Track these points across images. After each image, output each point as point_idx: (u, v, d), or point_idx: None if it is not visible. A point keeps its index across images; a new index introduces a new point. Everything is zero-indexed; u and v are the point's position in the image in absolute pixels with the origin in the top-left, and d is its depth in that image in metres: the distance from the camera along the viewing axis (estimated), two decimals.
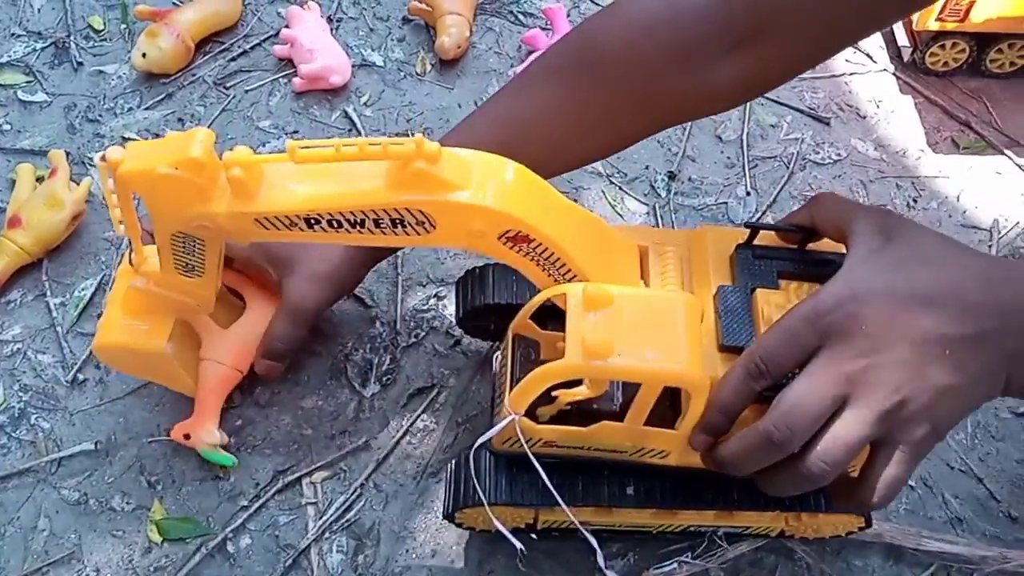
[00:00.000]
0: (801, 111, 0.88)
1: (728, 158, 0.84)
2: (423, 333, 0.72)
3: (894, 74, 0.92)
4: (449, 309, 0.73)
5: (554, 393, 0.45)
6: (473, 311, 0.60)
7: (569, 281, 0.46)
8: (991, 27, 0.85)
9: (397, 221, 0.44)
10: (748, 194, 0.81)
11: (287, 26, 0.90)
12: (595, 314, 0.43)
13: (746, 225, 0.49)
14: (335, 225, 0.45)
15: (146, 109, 0.85)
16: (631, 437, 0.48)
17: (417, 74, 0.90)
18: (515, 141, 0.53)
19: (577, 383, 0.45)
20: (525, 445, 0.47)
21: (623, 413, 0.46)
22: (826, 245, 0.50)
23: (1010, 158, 0.85)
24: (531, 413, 0.47)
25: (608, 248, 0.49)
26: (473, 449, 0.51)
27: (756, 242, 0.50)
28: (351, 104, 0.86)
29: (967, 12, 0.83)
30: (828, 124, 0.87)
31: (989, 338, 0.40)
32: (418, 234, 0.45)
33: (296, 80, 0.86)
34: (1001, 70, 0.90)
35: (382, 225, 0.45)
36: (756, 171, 0.83)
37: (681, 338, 0.43)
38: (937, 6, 0.82)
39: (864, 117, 0.88)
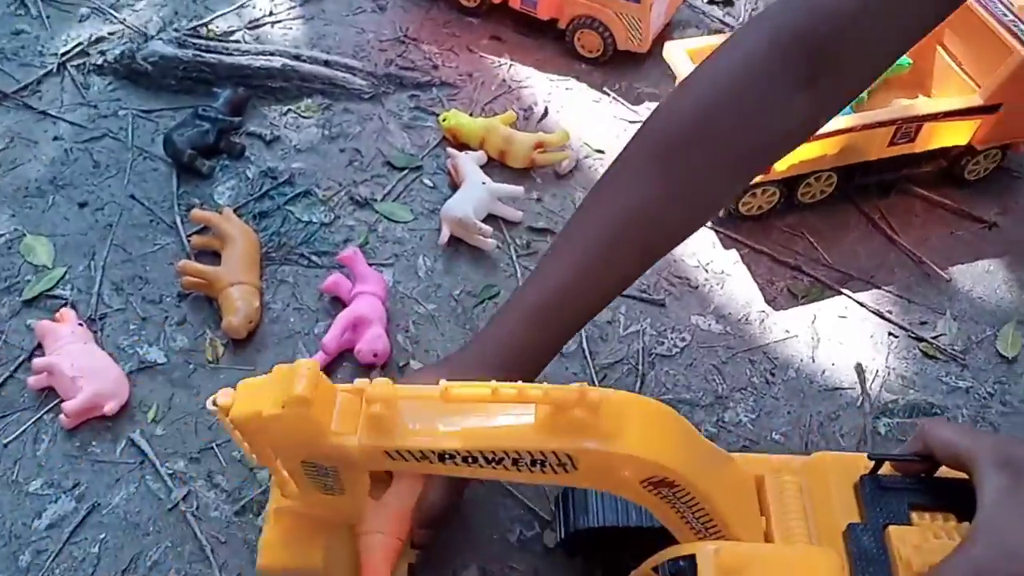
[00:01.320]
0: (634, 297, 0.82)
1: (575, 374, 0.77)
2: None
3: (713, 229, 0.88)
4: None
5: None
6: (576, 534, 0.57)
7: (705, 527, 0.45)
8: (795, 171, 0.83)
9: (538, 461, 0.43)
10: None
11: (39, 345, 0.76)
12: None
13: (870, 457, 0.47)
14: (470, 461, 0.44)
15: None
16: None
17: (209, 362, 0.78)
18: (620, 241, 0.57)
19: None
20: None
21: None
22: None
23: (849, 296, 0.82)
24: None
25: (736, 486, 0.48)
26: None
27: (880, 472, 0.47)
28: (136, 427, 0.73)
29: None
30: (664, 306, 0.82)
31: None
32: (556, 473, 0.44)
33: (63, 417, 0.72)
34: (813, 199, 0.88)
35: (520, 464, 0.44)
36: (606, 384, 0.76)
37: None
38: None
39: (697, 288, 0.83)
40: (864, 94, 0.89)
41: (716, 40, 0.88)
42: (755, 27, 0.56)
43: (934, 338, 0.79)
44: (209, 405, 0.45)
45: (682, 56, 0.86)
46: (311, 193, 0.91)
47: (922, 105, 0.83)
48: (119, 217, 0.89)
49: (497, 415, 0.44)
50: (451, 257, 0.86)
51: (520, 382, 0.41)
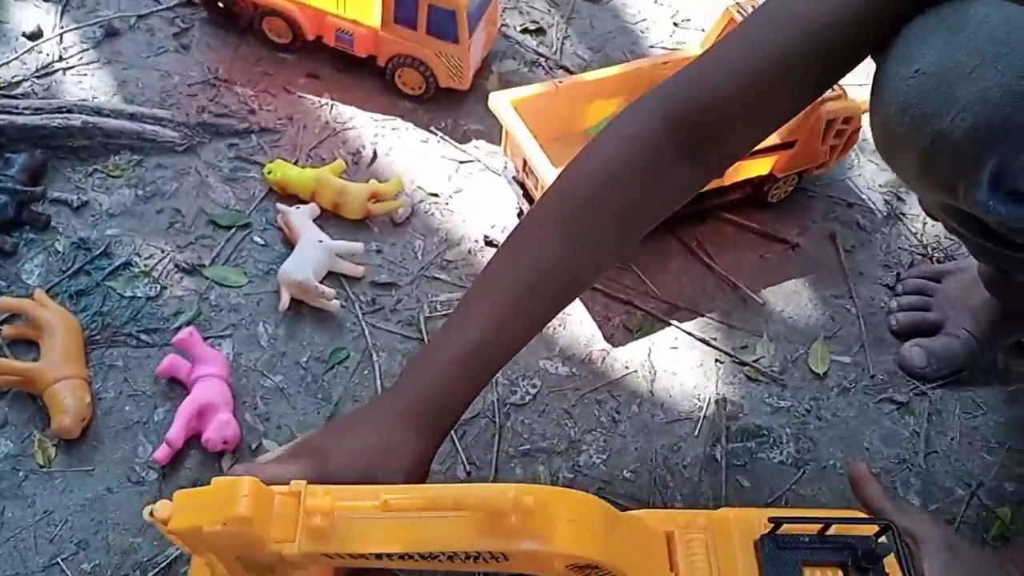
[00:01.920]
0: None
1: None
2: None
3: None
4: None
5: None
6: None
7: None
8: None
9: (472, 556, 0.47)
10: (468, 473, 0.76)
11: None
12: None
13: (770, 520, 0.52)
14: (405, 558, 0.47)
15: None
16: None
17: (41, 467, 0.72)
18: (533, 292, 0.62)
19: None
20: None
21: None
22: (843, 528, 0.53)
23: (677, 327, 0.88)
24: None
25: (649, 553, 0.53)
26: None
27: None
28: None
29: None
30: None
31: None
32: (487, 562, 0.47)
33: None
34: None
35: (455, 558, 0.47)
36: (467, 440, 0.78)
37: None
38: None
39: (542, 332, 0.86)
40: None
41: (537, 89, 0.91)
42: (648, 104, 0.63)
43: (755, 361, 0.86)
44: (146, 516, 0.47)
45: (507, 107, 0.88)
46: (131, 264, 0.86)
47: None
48: None
49: (434, 518, 0.47)
50: (294, 322, 0.84)
51: (456, 484, 0.46)
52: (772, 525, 0.52)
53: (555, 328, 0.87)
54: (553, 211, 0.63)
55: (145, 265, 0.86)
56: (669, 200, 0.65)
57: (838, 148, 0.96)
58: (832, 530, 0.53)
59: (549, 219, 0.63)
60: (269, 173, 0.92)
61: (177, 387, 0.77)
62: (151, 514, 0.46)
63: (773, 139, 0.90)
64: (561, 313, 0.86)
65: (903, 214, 1.02)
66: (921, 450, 0.83)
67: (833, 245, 0.98)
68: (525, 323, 0.63)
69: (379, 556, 0.47)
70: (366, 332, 0.84)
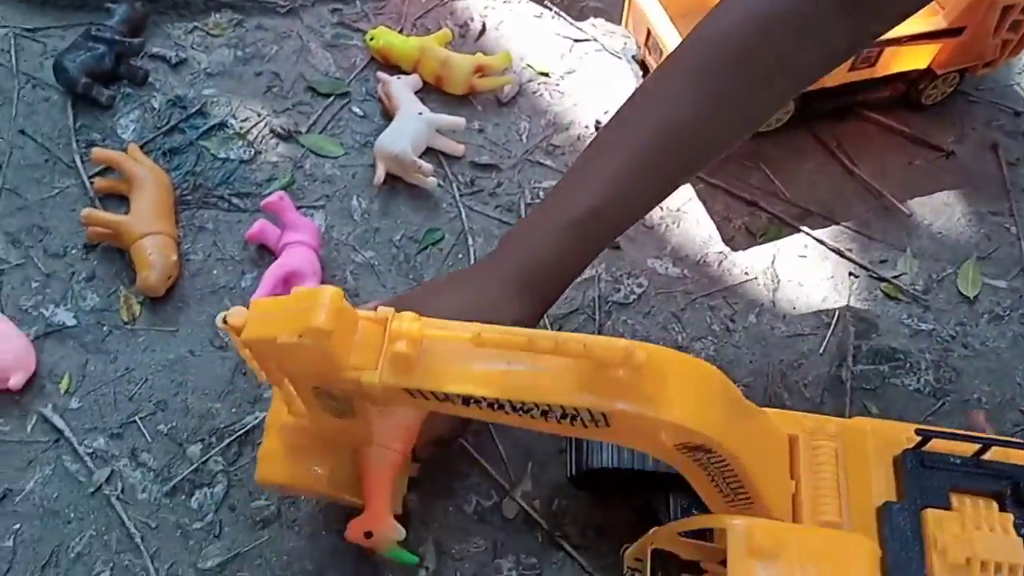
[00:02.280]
0: None
1: None
2: None
3: None
4: None
5: None
6: (588, 472, 0.56)
7: (735, 492, 0.43)
8: None
9: (570, 416, 0.40)
10: None
11: None
12: (762, 567, 0.39)
13: (917, 432, 0.45)
14: (496, 408, 0.41)
15: None
16: None
17: (125, 324, 0.70)
18: (664, 151, 0.55)
19: None
20: None
21: None
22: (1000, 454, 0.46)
23: (808, 233, 0.79)
24: None
25: (770, 450, 0.46)
26: None
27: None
28: (48, 401, 0.66)
29: None
30: (619, 248, 0.77)
31: None
32: (586, 428, 0.41)
33: None
34: (769, 127, 0.84)
35: (550, 416, 0.41)
36: None
37: None
38: None
39: (652, 228, 0.79)
40: None
41: None
42: None
43: (895, 278, 0.76)
44: (218, 323, 0.44)
45: None
46: (227, 125, 0.82)
47: None
48: (8, 157, 0.78)
49: (531, 364, 0.40)
50: (388, 197, 0.79)
51: (559, 332, 0.40)
52: (919, 439, 0.45)
53: (667, 225, 0.79)
54: (691, 62, 0.56)
55: (240, 127, 0.82)
56: (823, 57, 0.56)
57: (1011, 44, 0.83)
58: (990, 455, 0.45)
59: (686, 70, 0.56)
60: (372, 40, 0.86)
61: (267, 255, 0.74)
62: (224, 320, 0.43)
63: (937, 23, 0.78)
64: (675, 211, 0.80)
65: None
66: None
67: (995, 156, 0.85)
68: (652, 186, 0.57)
69: (467, 402, 0.41)
70: (463, 214, 0.78)
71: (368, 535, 0.54)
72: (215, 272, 0.74)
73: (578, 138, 0.84)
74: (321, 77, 0.86)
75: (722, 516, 0.42)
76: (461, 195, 0.79)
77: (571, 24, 0.93)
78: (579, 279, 0.74)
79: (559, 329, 0.73)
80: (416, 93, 0.84)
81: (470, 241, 0.77)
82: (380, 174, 0.78)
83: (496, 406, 0.41)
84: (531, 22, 0.93)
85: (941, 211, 0.81)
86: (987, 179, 0.84)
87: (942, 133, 0.87)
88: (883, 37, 0.76)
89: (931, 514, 0.43)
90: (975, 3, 0.77)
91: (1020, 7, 0.78)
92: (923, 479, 0.44)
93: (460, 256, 0.76)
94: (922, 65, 0.83)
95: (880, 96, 0.85)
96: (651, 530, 0.49)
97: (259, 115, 0.83)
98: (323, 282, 0.72)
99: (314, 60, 0.88)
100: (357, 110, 0.84)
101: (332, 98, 0.85)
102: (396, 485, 0.57)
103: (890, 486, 0.45)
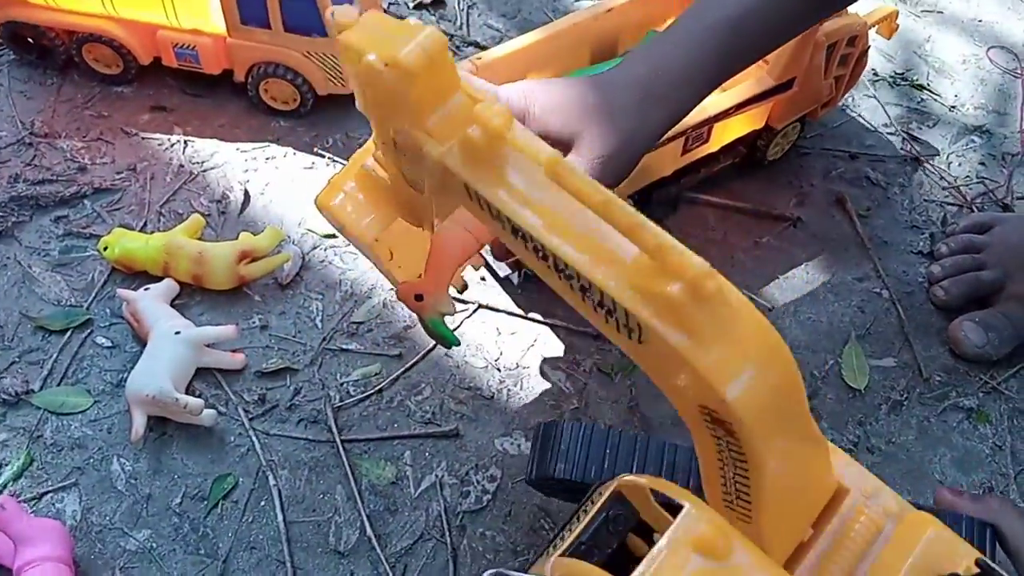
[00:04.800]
0: (419, 436, 0.63)
1: None
2: None
3: (491, 309, 0.70)
4: None
5: None
6: (549, 479, 0.51)
7: (738, 496, 0.37)
8: None
9: (608, 308, 0.34)
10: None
11: None
12: (698, 559, 0.33)
13: (978, 563, 0.39)
14: (539, 254, 0.35)
15: None
16: None
17: None
18: (744, 30, 0.54)
19: None
20: None
21: None
22: None
23: None
24: None
25: (806, 482, 0.39)
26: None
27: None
28: None
29: None
30: (458, 435, 0.63)
31: None
32: (618, 331, 0.34)
33: None
34: None
35: (588, 297, 0.34)
36: None
37: None
38: None
39: (491, 397, 0.65)
40: None
41: None
42: None
43: None
44: (327, 16, 0.40)
45: None
46: None
47: (711, 105, 0.68)
48: None
49: (592, 227, 0.34)
50: (158, 449, 0.62)
51: (645, 220, 0.31)
52: (977, 571, 0.39)
53: (509, 389, 0.66)
54: None
55: None
56: None
57: (844, 78, 0.76)
58: None
59: None
60: (105, 249, 0.70)
61: None
62: (332, 15, 0.38)
63: (767, 82, 0.69)
64: (514, 368, 0.66)
65: (922, 155, 0.81)
66: (1011, 470, 0.62)
67: (843, 211, 0.77)
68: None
69: (515, 233, 0.36)
70: (256, 444, 0.62)
71: (419, 298, 0.54)
72: None
73: (384, 305, 0.70)
74: (52, 309, 0.69)
75: (691, 495, 0.35)
76: (251, 420, 0.64)
77: None
78: (417, 493, 0.60)
79: (403, 570, 0.57)
80: (174, 301, 0.68)
81: (272, 479, 0.61)
82: (139, 425, 0.61)
83: (541, 253, 0.35)
84: (303, 177, 0.79)
85: (803, 292, 0.71)
86: (841, 240, 0.75)
87: (782, 198, 0.78)
88: (712, 113, 0.68)
89: None
90: (798, 53, 0.70)
91: (844, 40, 0.71)
92: None
93: (263, 503, 0.60)
94: (759, 124, 0.75)
95: (724, 167, 0.76)
96: (626, 476, 0.40)
97: None
98: None
99: (41, 289, 0.71)
100: (103, 340, 0.68)
101: (69, 333, 0.68)
102: (459, 271, 0.55)
103: None
